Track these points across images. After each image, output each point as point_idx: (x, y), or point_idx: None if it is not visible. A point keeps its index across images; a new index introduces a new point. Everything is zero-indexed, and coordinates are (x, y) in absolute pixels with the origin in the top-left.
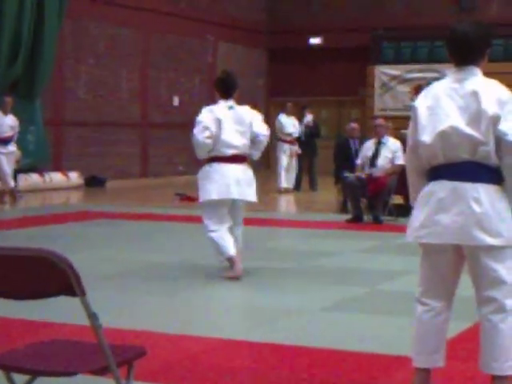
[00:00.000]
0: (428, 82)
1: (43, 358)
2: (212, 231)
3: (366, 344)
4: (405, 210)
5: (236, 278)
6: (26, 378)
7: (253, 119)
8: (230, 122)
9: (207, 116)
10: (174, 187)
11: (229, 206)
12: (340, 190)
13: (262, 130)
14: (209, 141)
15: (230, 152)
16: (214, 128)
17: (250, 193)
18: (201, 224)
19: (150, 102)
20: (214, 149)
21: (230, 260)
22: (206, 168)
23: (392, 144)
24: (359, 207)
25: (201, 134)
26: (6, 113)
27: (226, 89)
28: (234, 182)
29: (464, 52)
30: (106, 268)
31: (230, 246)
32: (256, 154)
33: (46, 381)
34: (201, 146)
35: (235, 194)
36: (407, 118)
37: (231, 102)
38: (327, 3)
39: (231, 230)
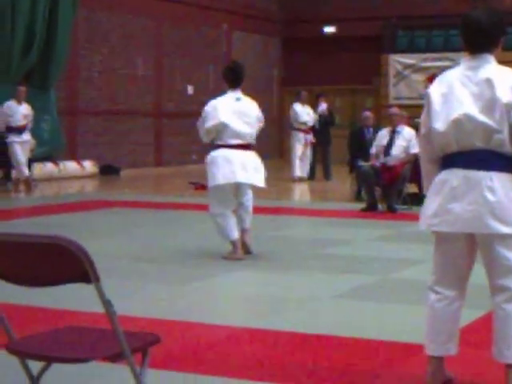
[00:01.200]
0: (442, 71)
1: (58, 345)
2: (216, 214)
3: (378, 332)
4: (419, 199)
5: (238, 259)
6: (41, 364)
7: (258, 115)
8: (236, 113)
9: (211, 108)
10: (187, 176)
11: (234, 190)
12: (354, 178)
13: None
14: (206, 137)
15: (236, 142)
16: (215, 120)
17: (257, 177)
18: None
19: (165, 91)
20: (221, 138)
21: (233, 243)
22: (213, 153)
23: (407, 133)
24: (373, 196)
25: (201, 126)
26: (19, 102)
27: (234, 77)
28: (239, 167)
29: (477, 39)
30: (121, 255)
31: (234, 230)
32: None
33: (61, 367)
34: (202, 135)
35: (241, 177)
36: (422, 107)
37: (239, 93)
38: None
39: (236, 213)
